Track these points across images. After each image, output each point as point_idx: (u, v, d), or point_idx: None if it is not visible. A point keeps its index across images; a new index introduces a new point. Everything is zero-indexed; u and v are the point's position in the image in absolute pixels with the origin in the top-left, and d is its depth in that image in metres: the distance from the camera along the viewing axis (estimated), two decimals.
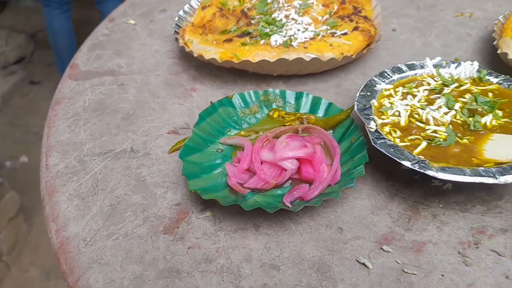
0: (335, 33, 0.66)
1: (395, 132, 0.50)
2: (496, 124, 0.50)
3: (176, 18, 0.73)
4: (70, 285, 0.43)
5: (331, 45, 0.63)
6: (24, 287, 1.45)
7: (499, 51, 0.60)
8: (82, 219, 0.49)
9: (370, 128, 0.49)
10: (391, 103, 0.53)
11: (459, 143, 0.48)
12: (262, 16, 0.73)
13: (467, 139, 0.48)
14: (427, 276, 0.42)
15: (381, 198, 0.49)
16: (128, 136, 0.59)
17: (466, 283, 0.41)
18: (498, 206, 0.47)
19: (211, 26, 0.74)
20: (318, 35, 0.66)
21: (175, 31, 0.71)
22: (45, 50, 2.35)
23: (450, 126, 0.50)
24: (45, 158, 0.56)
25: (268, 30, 0.68)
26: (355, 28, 0.66)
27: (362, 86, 0.55)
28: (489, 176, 0.43)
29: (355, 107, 0.52)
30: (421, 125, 0.50)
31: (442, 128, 0.49)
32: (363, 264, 0.43)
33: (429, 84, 0.55)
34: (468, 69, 0.56)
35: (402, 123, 0.51)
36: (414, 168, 0.45)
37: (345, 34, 0.65)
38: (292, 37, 0.65)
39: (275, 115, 0.58)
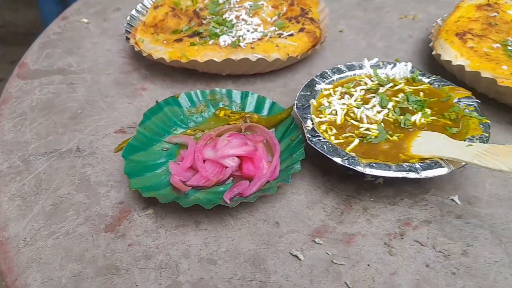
0: (282, 34, 0.68)
1: (331, 130, 0.52)
2: (425, 122, 0.53)
3: (129, 18, 0.74)
4: (8, 284, 0.43)
5: (277, 46, 0.65)
6: None
7: (433, 53, 0.64)
8: (23, 219, 0.49)
9: (307, 126, 0.52)
10: (329, 102, 0.56)
11: (389, 140, 0.51)
12: (214, 16, 0.74)
13: (397, 136, 0.51)
14: (354, 266, 0.44)
15: (317, 193, 0.51)
16: (74, 136, 0.59)
17: (389, 271, 0.44)
18: (424, 199, 0.50)
19: (163, 26, 0.75)
20: (266, 36, 0.68)
21: (126, 30, 0.71)
22: (9, 47, 2.27)
23: (382, 124, 0.52)
24: None
25: (218, 30, 0.69)
26: (301, 30, 0.68)
27: (303, 86, 0.58)
28: (412, 171, 0.46)
29: (294, 106, 0.54)
30: (356, 123, 0.53)
31: (375, 126, 0.52)
32: (296, 256, 0.45)
33: (366, 84, 0.58)
34: (403, 69, 0.60)
35: (338, 122, 0.53)
36: (344, 164, 0.47)
37: (291, 35, 0.67)
38: (240, 38, 0.67)
39: (221, 114, 0.60)
